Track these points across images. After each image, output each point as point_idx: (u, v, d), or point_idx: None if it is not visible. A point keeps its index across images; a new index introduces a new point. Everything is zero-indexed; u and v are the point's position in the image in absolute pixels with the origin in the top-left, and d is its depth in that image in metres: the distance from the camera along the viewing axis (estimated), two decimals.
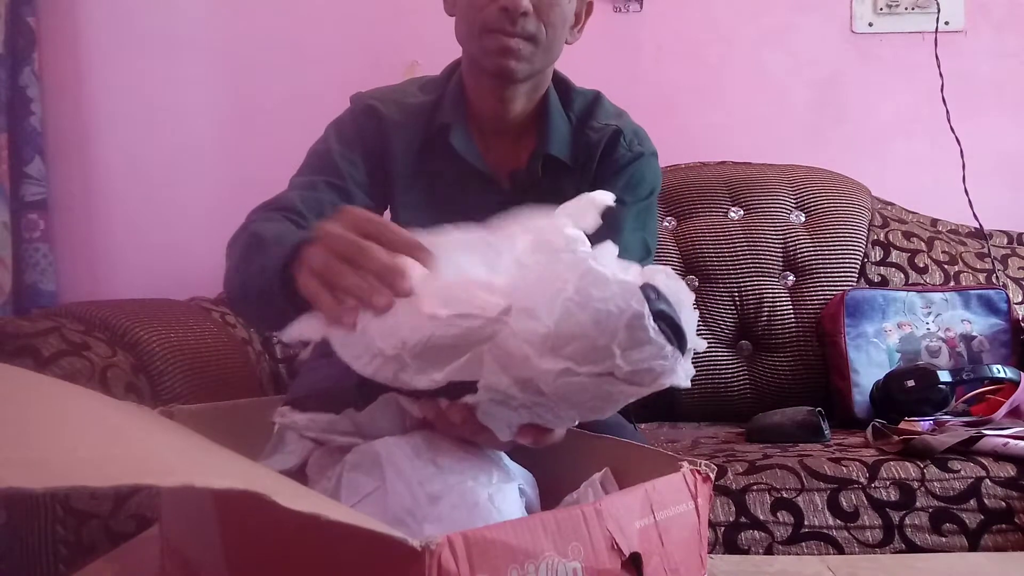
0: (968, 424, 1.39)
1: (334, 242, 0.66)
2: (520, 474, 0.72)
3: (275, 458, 0.74)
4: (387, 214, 1.17)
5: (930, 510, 1.20)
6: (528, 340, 0.57)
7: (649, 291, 0.57)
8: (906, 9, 2.09)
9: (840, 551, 1.18)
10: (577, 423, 0.65)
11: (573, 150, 1.14)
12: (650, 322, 0.56)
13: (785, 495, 1.21)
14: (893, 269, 1.87)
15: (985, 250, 1.92)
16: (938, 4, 2.06)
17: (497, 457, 0.72)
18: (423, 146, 1.13)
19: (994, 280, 1.85)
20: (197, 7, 2.07)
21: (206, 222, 2.02)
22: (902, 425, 1.42)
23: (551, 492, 0.72)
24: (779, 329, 1.80)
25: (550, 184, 1.12)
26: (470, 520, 0.63)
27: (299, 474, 0.72)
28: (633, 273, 0.59)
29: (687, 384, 0.59)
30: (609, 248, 0.61)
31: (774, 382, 1.79)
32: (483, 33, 1.05)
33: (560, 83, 1.18)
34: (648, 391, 0.59)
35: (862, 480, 1.22)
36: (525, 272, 0.60)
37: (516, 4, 1.02)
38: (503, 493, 0.66)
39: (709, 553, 0.66)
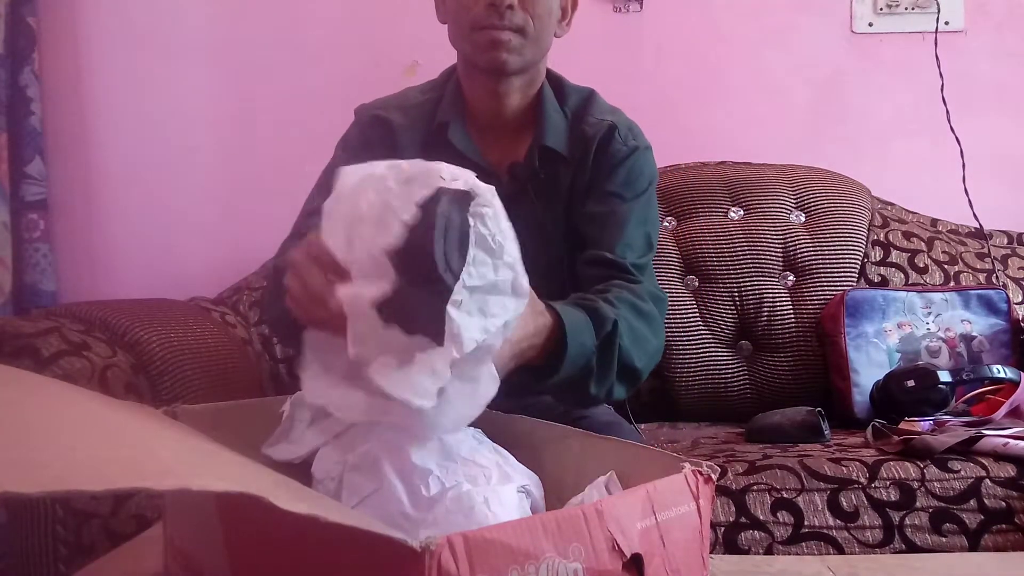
0: (968, 424, 1.39)
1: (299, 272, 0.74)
2: (525, 475, 0.72)
3: (280, 447, 0.74)
4: None
5: (930, 510, 1.20)
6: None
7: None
8: (906, 9, 2.08)
9: (840, 551, 1.18)
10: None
11: (569, 142, 1.17)
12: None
13: (785, 495, 1.21)
14: (893, 269, 1.87)
15: (985, 250, 1.92)
16: (938, 4, 2.05)
17: (501, 457, 0.72)
18: (425, 145, 1.16)
19: (994, 280, 1.85)
20: (197, 7, 2.07)
21: (206, 222, 2.02)
22: (902, 425, 1.42)
23: (556, 495, 0.72)
24: (779, 329, 1.80)
25: (547, 175, 1.15)
26: (466, 524, 0.63)
27: (304, 467, 0.72)
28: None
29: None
30: None
31: (774, 382, 1.79)
32: (473, 30, 1.10)
33: (554, 80, 1.21)
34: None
35: (862, 480, 1.22)
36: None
37: None
38: (499, 496, 0.66)
39: (709, 553, 0.66)
